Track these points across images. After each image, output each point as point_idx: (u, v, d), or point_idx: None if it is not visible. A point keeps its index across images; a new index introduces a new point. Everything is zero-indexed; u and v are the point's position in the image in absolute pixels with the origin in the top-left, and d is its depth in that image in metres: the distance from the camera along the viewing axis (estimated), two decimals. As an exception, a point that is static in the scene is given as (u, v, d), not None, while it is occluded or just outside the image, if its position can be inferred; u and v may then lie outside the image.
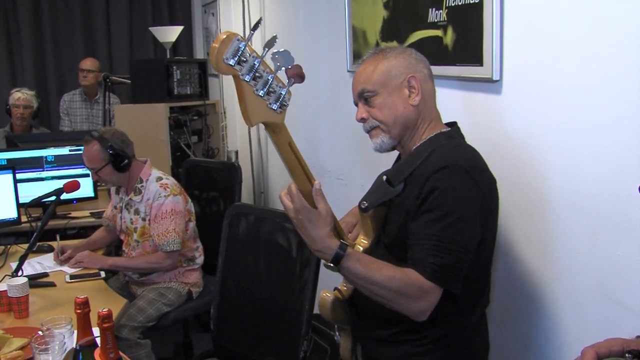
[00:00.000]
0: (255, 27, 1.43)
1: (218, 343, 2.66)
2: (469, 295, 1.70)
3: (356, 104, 1.85)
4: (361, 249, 1.82)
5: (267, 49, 1.40)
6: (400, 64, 1.78)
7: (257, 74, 1.41)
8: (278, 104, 1.46)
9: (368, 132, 1.85)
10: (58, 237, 3.25)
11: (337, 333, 2.01)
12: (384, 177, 1.76)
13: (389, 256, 1.75)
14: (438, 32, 2.24)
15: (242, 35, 1.38)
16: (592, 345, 1.23)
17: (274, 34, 1.42)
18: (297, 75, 1.47)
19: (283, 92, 1.47)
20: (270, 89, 1.44)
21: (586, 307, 1.69)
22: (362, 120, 1.83)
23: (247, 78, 1.41)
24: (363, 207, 1.76)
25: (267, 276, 2.51)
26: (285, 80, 1.47)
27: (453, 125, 1.86)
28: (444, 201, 1.62)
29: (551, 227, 1.81)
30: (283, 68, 1.44)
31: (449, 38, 2.18)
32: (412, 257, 1.64)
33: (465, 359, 1.80)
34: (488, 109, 2.04)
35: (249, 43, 1.39)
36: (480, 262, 1.72)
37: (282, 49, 1.42)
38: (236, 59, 1.38)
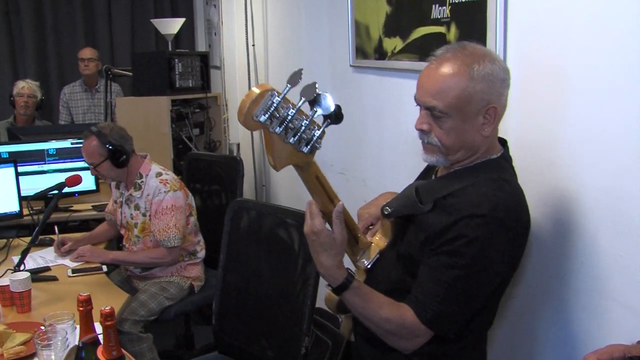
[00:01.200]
0: (293, 82, 1.36)
1: (219, 337, 2.67)
2: (466, 325, 1.66)
3: (416, 103, 1.66)
4: (377, 248, 1.81)
5: (303, 99, 1.35)
6: (484, 90, 1.54)
7: (290, 125, 1.35)
8: (309, 147, 1.40)
9: (424, 143, 1.66)
10: (57, 229, 3.25)
11: (341, 316, 2.02)
12: (415, 190, 1.67)
13: (398, 265, 1.73)
14: (441, 29, 2.23)
15: (277, 89, 1.33)
16: (594, 352, 1.23)
17: (314, 82, 1.35)
18: (336, 117, 1.40)
19: (317, 135, 1.40)
20: (303, 135, 1.38)
21: (588, 307, 1.69)
22: (422, 131, 1.63)
23: (277, 130, 1.35)
24: (386, 213, 1.71)
25: (269, 271, 2.51)
26: (318, 120, 1.41)
27: (503, 144, 1.71)
28: (468, 251, 1.53)
29: (553, 226, 1.80)
30: (318, 113, 1.38)
31: (452, 35, 2.17)
32: (416, 295, 1.61)
33: None
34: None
35: (285, 96, 1.35)
36: (492, 296, 1.67)
37: (322, 94, 1.36)
38: (268, 115, 1.33)
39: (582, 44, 1.65)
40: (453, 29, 2.17)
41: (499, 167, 1.65)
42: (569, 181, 1.73)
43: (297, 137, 1.38)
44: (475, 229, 1.52)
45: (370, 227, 1.91)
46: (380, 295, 1.65)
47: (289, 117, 1.35)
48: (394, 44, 2.62)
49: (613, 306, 1.60)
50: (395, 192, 1.88)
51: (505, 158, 1.69)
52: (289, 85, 1.36)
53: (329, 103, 1.38)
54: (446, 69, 1.56)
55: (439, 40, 2.24)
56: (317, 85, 1.36)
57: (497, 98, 1.58)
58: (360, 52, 2.98)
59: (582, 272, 1.70)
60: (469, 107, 1.56)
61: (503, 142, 1.72)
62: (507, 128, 1.96)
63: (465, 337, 1.69)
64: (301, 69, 1.37)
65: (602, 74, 1.59)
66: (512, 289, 2.00)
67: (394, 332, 1.62)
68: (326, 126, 1.40)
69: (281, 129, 1.35)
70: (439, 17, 2.24)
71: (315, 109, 1.38)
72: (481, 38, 1.99)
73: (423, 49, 2.39)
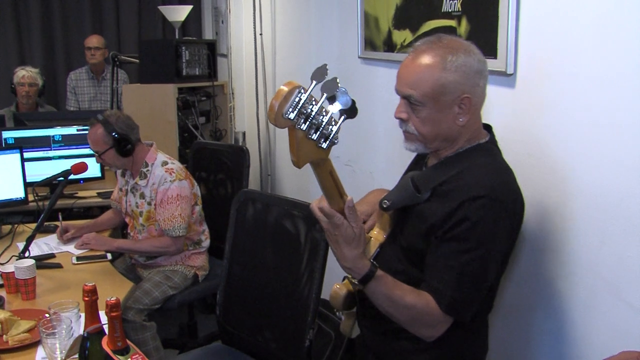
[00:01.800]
0: (318, 78, 1.36)
1: (223, 328, 2.67)
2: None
3: (396, 92, 1.72)
4: (376, 241, 1.82)
5: (325, 94, 1.36)
6: (458, 81, 1.60)
7: (314, 121, 1.36)
8: (328, 142, 1.41)
9: (404, 132, 1.73)
10: (60, 216, 3.25)
11: (340, 313, 2.02)
12: (411, 181, 1.71)
13: (403, 258, 1.75)
14: (452, 23, 2.22)
15: (304, 86, 1.34)
16: (607, 359, 1.22)
17: (334, 77, 1.36)
18: (352, 111, 1.41)
19: (334, 130, 1.41)
20: (324, 131, 1.39)
21: (596, 307, 1.68)
22: (401, 120, 1.70)
23: (303, 127, 1.36)
24: (385, 206, 1.73)
25: (274, 263, 2.51)
26: (335, 115, 1.41)
27: (489, 130, 1.77)
28: (473, 234, 1.57)
29: (561, 225, 1.79)
30: (338, 108, 1.39)
31: (463, 29, 2.15)
32: (431, 284, 1.63)
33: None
34: (501, 103, 2.02)
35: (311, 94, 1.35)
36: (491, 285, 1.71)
37: (340, 88, 1.36)
38: (296, 111, 1.34)
39: (596, 42, 1.64)
40: (464, 23, 2.15)
41: (488, 151, 1.71)
42: (578, 179, 1.71)
43: (318, 132, 1.38)
44: (477, 211, 1.57)
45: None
46: (403, 283, 1.67)
47: (313, 113, 1.36)
48: (403, 36, 2.60)
49: (620, 306, 1.59)
50: (385, 189, 1.91)
51: (493, 142, 1.75)
52: (314, 81, 1.36)
53: (348, 98, 1.39)
54: (422, 60, 1.63)
55: (450, 34, 2.22)
56: (338, 80, 1.36)
57: (471, 88, 1.63)
58: (369, 43, 2.96)
59: (588, 271, 1.69)
60: (443, 97, 1.61)
61: (489, 128, 1.78)
62: (518, 123, 1.95)
63: (472, 321, 1.71)
64: (325, 65, 1.37)
65: (615, 73, 1.57)
66: (519, 287, 2.00)
67: (419, 319, 1.63)
68: (343, 121, 1.41)
69: (306, 126, 1.36)
70: (450, 10, 2.22)
71: (334, 104, 1.38)
72: (492, 33, 1.98)
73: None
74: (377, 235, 1.84)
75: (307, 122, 1.36)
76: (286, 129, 1.40)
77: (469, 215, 1.57)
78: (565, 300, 1.79)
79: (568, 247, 1.77)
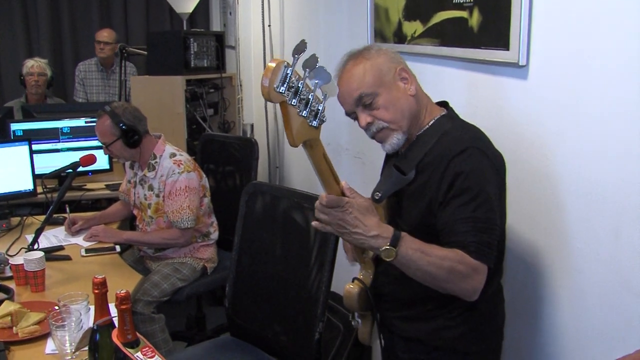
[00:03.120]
0: (299, 51, 1.41)
1: (232, 320, 2.67)
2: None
3: (350, 114, 1.83)
4: None
5: (307, 70, 1.40)
6: (385, 60, 1.77)
7: (302, 97, 1.42)
8: (317, 120, 1.47)
9: (374, 135, 1.81)
10: (68, 208, 3.25)
11: (357, 319, 2.02)
12: (394, 167, 1.77)
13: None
14: (463, 14, 2.19)
15: (287, 61, 1.38)
16: (623, 357, 1.21)
17: (313, 53, 1.41)
18: (331, 90, 1.50)
19: (320, 108, 1.47)
20: (312, 108, 1.45)
21: (609, 302, 1.66)
22: (368, 125, 1.78)
23: (294, 102, 1.41)
24: (377, 197, 1.77)
25: (283, 255, 2.50)
26: (320, 96, 1.47)
27: (445, 105, 1.88)
28: (471, 183, 1.64)
29: (575, 217, 1.78)
30: (320, 85, 1.44)
31: (474, 20, 2.13)
32: (452, 241, 1.64)
33: (491, 327, 1.85)
34: (513, 95, 2.01)
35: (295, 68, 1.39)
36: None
37: (317, 66, 1.41)
38: (285, 85, 1.38)
39: (609, 34, 1.62)
40: (476, 14, 2.12)
41: (451, 118, 1.83)
42: (592, 172, 1.70)
43: (307, 109, 1.44)
44: (465, 162, 1.66)
45: None
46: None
47: (300, 88, 1.41)
48: (413, 28, 2.58)
49: (635, 302, 1.58)
50: None
51: (453, 112, 1.87)
52: (295, 55, 1.41)
53: (327, 73, 1.44)
54: (348, 68, 1.79)
55: (461, 25, 2.20)
56: (317, 57, 1.40)
57: (397, 62, 1.80)
58: (379, 35, 2.94)
59: (603, 266, 1.67)
60: (384, 78, 1.76)
61: (445, 105, 1.89)
62: (530, 115, 1.94)
63: (489, 284, 1.71)
64: (304, 39, 1.42)
65: (631, 60, 1.55)
66: (532, 279, 1.98)
67: (458, 269, 1.61)
68: (326, 99, 1.47)
69: (296, 101, 1.41)
70: (462, 1, 2.20)
71: (316, 81, 1.43)
72: (505, 24, 1.95)
73: (444, 34, 2.35)
74: None
75: (297, 98, 1.41)
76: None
77: (460, 169, 1.65)
78: (579, 295, 1.78)
79: (582, 241, 1.75)
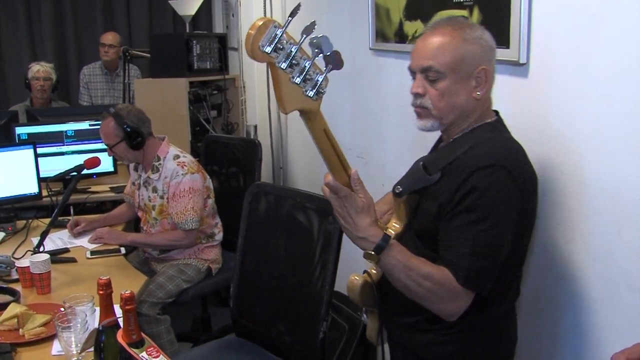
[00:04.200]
0: (293, 14, 1.37)
1: (237, 321, 2.68)
2: (494, 290, 1.66)
3: (411, 71, 1.72)
4: (393, 233, 1.79)
5: (304, 35, 1.37)
6: (477, 52, 1.64)
7: (293, 61, 1.38)
8: (315, 91, 1.43)
9: (417, 108, 1.72)
10: (72, 210, 3.27)
11: (364, 315, 2.01)
12: (421, 164, 1.70)
13: (417, 242, 1.74)
14: (464, 12, 2.20)
15: (279, 22, 1.35)
16: (622, 351, 1.22)
17: (313, 20, 1.38)
18: (336, 62, 1.42)
19: (320, 79, 1.43)
20: (307, 76, 1.41)
21: (612, 299, 1.66)
22: (417, 95, 1.70)
23: (283, 66, 1.38)
24: (397, 191, 1.72)
25: (287, 256, 2.51)
26: (322, 66, 1.43)
27: (496, 113, 1.77)
28: (482, 203, 1.57)
29: (576, 214, 1.78)
30: (321, 55, 1.40)
31: (475, 18, 2.14)
32: (445, 258, 1.61)
33: (489, 350, 1.78)
34: (514, 93, 2.01)
35: (286, 30, 1.36)
36: (513, 260, 1.69)
37: (321, 35, 1.37)
38: (272, 46, 1.35)
39: (610, 31, 1.62)
40: (476, 12, 2.13)
41: (496, 128, 1.72)
42: (593, 169, 1.70)
43: (302, 77, 1.40)
44: (484, 179, 1.57)
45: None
46: (417, 256, 1.65)
47: (293, 53, 1.37)
48: (414, 27, 2.59)
49: (637, 298, 1.58)
50: None
51: (500, 122, 1.76)
52: (289, 18, 1.37)
53: (329, 44, 1.40)
54: (440, 33, 1.66)
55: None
56: (315, 25, 1.37)
57: (487, 62, 1.66)
58: (381, 35, 2.95)
59: (605, 263, 1.68)
60: (462, 67, 1.63)
61: (496, 112, 1.78)
62: (531, 113, 1.94)
63: (500, 306, 1.72)
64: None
65: (631, 57, 1.55)
66: (534, 280, 1.98)
67: (436, 291, 1.60)
68: (328, 71, 1.43)
69: (287, 64, 1.38)
70: (462, 0, 2.21)
71: (316, 50, 1.40)
72: (505, 22, 1.96)
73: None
74: (395, 227, 1.82)
75: (287, 61, 1.37)
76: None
77: (477, 184, 1.57)
78: (581, 292, 1.78)
79: (584, 237, 1.75)
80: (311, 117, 1.49)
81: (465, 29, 1.65)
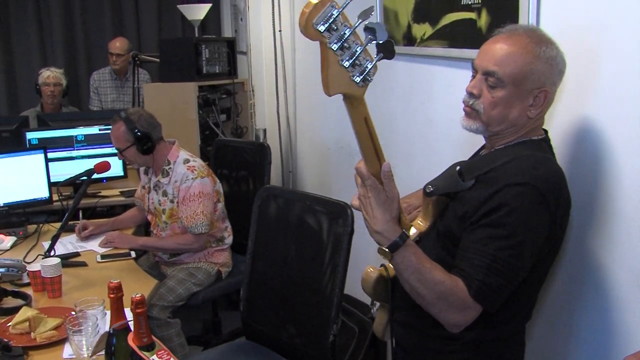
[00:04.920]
0: (364, 15, 1.33)
1: (247, 324, 2.68)
2: (505, 309, 1.65)
3: (474, 70, 1.68)
4: (416, 231, 1.78)
5: (360, 20, 1.33)
6: (544, 72, 1.59)
7: (345, 45, 1.35)
8: (362, 77, 1.40)
9: (467, 107, 1.69)
10: (81, 214, 3.29)
11: (374, 308, 1.99)
12: (457, 168, 1.68)
13: (437, 244, 1.72)
14: (472, 15, 2.20)
15: (337, 1, 1.32)
16: (634, 354, 1.20)
17: (371, 5, 1.36)
18: (388, 51, 1.39)
19: (369, 66, 1.40)
20: (357, 62, 1.38)
21: (628, 301, 1.64)
22: (471, 95, 1.66)
23: (334, 47, 1.35)
24: (428, 191, 1.70)
25: (297, 259, 2.52)
26: (373, 54, 1.40)
27: (545, 132, 1.73)
28: (509, 221, 1.54)
29: (588, 215, 1.77)
30: (374, 42, 1.37)
31: (483, 21, 2.14)
32: (461, 268, 1.60)
33: None
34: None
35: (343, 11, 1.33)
36: (530, 283, 1.67)
37: (377, 22, 1.35)
38: (327, 25, 1.32)
39: (618, 34, 1.62)
40: (484, 15, 2.13)
41: (539, 147, 1.67)
42: (603, 170, 1.69)
43: (351, 61, 1.37)
44: (515, 198, 1.54)
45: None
46: (433, 261, 1.63)
47: (346, 36, 1.34)
48: (423, 30, 2.59)
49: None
50: None
51: (547, 142, 1.71)
52: (359, 19, 1.34)
53: (384, 32, 1.36)
54: (515, 41, 1.61)
55: (469, 26, 2.21)
56: (373, 11, 1.34)
57: (551, 84, 1.62)
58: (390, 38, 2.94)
59: (621, 265, 1.66)
60: (524, 83, 1.59)
61: (545, 131, 1.74)
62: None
63: (508, 326, 1.70)
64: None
65: (639, 58, 1.55)
66: (549, 282, 1.97)
67: (445, 298, 1.59)
68: (379, 59, 1.39)
69: (338, 46, 1.35)
70: (470, 2, 2.21)
71: (370, 36, 1.36)
72: (513, 24, 1.96)
73: (453, 36, 2.36)
74: (420, 225, 1.81)
75: (339, 43, 1.34)
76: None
77: (507, 201, 1.54)
78: (599, 294, 1.76)
79: (600, 240, 1.74)
80: (354, 103, 1.46)
81: (542, 45, 1.60)
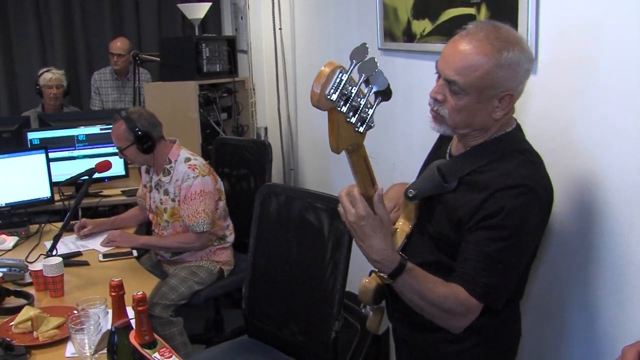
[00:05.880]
0: (359, 57, 1.33)
1: (249, 321, 2.69)
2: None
3: (437, 71, 1.65)
4: (402, 233, 1.79)
5: (364, 75, 1.33)
6: (507, 77, 1.55)
7: (353, 103, 1.35)
8: (365, 126, 1.39)
9: (432, 112, 1.68)
10: (80, 213, 3.29)
11: (368, 309, 2.00)
12: (437, 170, 1.69)
13: (433, 247, 1.73)
14: (471, 10, 2.20)
15: (344, 66, 1.32)
16: (633, 344, 1.20)
17: (363, 42, 1.35)
18: (386, 94, 1.39)
19: (370, 113, 1.39)
20: (362, 114, 1.37)
21: (623, 294, 1.65)
22: (435, 101, 1.65)
23: (344, 109, 1.34)
24: (410, 195, 1.70)
25: (298, 256, 2.52)
26: (371, 98, 1.39)
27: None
28: (509, 222, 1.55)
29: (588, 210, 1.77)
30: (374, 91, 1.37)
31: (482, 16, 2.14)
32: (463, 272, 1.61)
33: (497, 348, 1.79)
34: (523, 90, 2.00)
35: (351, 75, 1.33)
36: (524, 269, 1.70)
37: (377, 69, 1.34)
38: (338, 92, 1.32)
39: (620, 26, 1.61)
40: (483, 10, 2.13)
41: (516, 139, 1.68)
42: (604, 164, 1.69)
43: (357, 115, 1.37)
44: (512, 200, 1.55)
45: None
46: (431, 275, 1.63)
47: (353, 95, 1.34)
48: (422, 26, 2.59)
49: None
50: (405, 183, 1.87)
51: (519, 129, 1.72)
52: (354, 61, 1.33)
53: (384, 79, 1.36)
54: (475, 47, 1.56)
55: (469, 22, 2.20)
56: (376, 60, 1.34)
57: (515, 86, 1.59)
58: (389, 34, 2.95)
59: (619, 257, 1.67)
60: (487, 90, 1.57)
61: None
62: (540, 109, 1.94)
63: (505, 309, 1.70)
64: (365, 43, 1.34)
65: (639, 55, 1.55)
66: (542, 278, 1.98)
67: (450, 310, 1.61)
68: (378, 104, 1.39)
69: (347, 108, 1.35)
70: (469, -2, 2.21)
71: (371, 86, 1.36)
72: (512, 20, 1.95)
73: (452, 31, 2.31)
74: (403, 227, 1.82)
75: (347, 105, 1.34)
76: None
77: (504, 203, 1.55)
78: (593, 288, 1.77)
79: (596, 232, 1.74)
80: (356, 149, 1.46)
81: (503, 50, 1.54)
